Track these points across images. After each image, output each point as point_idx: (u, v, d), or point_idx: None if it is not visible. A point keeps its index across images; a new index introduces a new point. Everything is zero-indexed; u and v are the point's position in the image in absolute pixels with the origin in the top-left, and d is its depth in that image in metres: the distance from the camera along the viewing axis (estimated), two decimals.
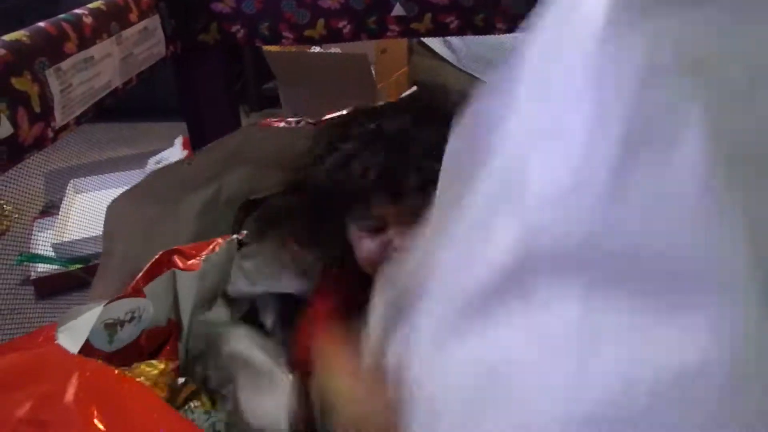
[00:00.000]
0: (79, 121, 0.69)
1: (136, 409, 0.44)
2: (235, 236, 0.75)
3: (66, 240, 1.54)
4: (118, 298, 0.65)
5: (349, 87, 1.98)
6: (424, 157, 0.64)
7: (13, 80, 0.57)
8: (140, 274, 0.67)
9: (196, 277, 0.69)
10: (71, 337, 0.56)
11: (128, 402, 0.44)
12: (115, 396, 0.44)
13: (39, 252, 1.52)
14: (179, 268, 0.69)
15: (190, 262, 0.69)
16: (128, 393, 0.45)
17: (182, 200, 0.81)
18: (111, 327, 0.64)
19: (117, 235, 0.73)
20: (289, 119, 0.88)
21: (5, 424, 0.41)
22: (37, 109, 0.61)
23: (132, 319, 0.67)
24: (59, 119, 0.65)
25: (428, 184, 0.55)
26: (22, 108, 0.58)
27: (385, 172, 0.66)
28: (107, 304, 0.62)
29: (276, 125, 0.88)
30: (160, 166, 1.98)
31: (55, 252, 1.50)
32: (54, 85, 0.63)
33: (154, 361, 0.62)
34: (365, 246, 0.69)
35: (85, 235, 1.53)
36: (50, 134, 0.64)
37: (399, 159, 0.66)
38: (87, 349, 0.58)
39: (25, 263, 1.50)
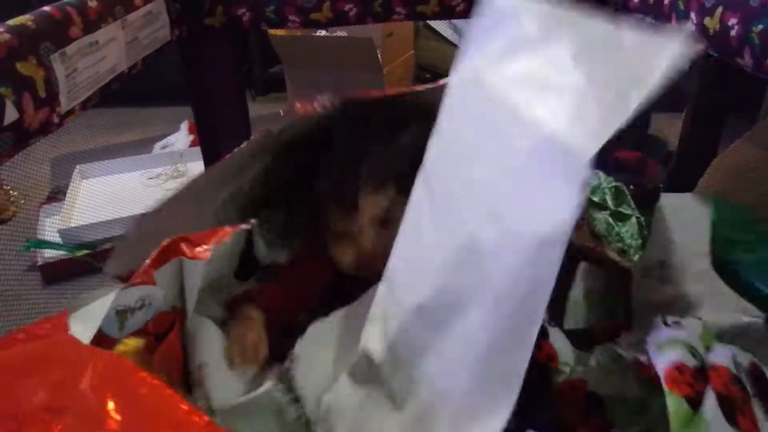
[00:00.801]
0: (84, 106, 0.69)
1: (150, 401, 0.44)
2: (243, 226, 0.74)
3: (73, 226, 1.54)
4: (130, 285, 0.65)
5: (355, 71, 1.97)
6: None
7: (18, 65, 0.57)
8: (148, 261, 0.67)
9: (203, 265, 0.69)
10: (84, 323, 0.57)
11: (142, 393, 0.44)
12: (130, 387, 0.44)
13: (46, 238, 1.52)
14: (187, 256, 0.68)
15: (197, 249, 0.69)
16: (142, 385, 0.45)
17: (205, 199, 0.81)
18: (122, 314, 0.64)
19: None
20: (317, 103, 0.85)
21: (21, 410, 0.41)
22: (43, 94, 0.60)
23: (142, 306, 0.67)
24: (64, 104, 0.64)
25: None
26: (27, 93, 0.58)
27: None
28: (119, 291, 0.62)
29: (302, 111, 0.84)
30: (166, 151, 1.97)
31: (61, 238, 1.50)
32: (59, 70, 0.62)
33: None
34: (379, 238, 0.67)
35: (91, 221, 1.53)
36: (55, 119, 0.64)
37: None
38: (96, 334, 0.58)
39: (32, 249, 1.50)
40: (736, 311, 0.57)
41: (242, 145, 0.75)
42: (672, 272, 0.63)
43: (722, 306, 0.58)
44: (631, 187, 1.12)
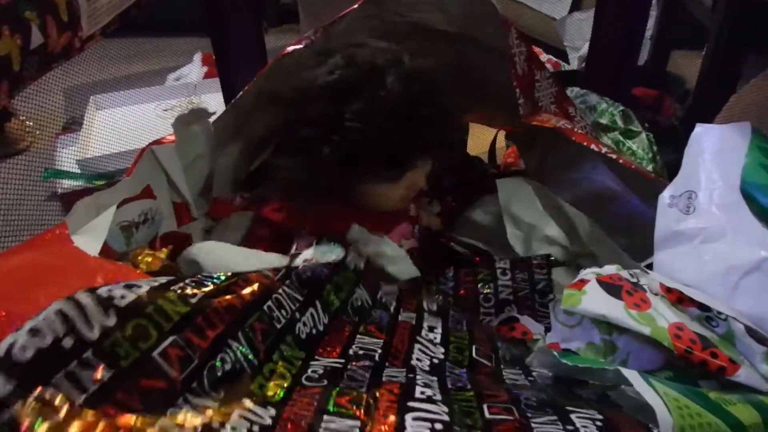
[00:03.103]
0: (104, 31, 0.69)
1: None
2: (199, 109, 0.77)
3: (89, 156, 1.55)
4: (129, 200, 0.67)
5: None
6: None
7: None
8: (128, 169, 0.70)
9: (174, 148, 0.74)
10: (90, 238, 0.59)
11: None
12: None
13: (63, 168, 1.53)
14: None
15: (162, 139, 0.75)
16: None
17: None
18: (127, 229, 0.67)
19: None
20: (307, 34, 0.85)
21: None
22: (65, 18, 0.61)
23: (146, 220, 0.70)
24: (86, 29, 0.65)
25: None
26: (50, 17, 0.58)
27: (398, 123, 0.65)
28: (119, 206, 0.64)
29: (295, 48, 0.84)
30: (180, 82, 1.97)
31: (79, 168, 1.52)
32: None
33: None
34: (391, 195, 0.71)
35: (108, 152, 1.54)
36: (77, 44, 0.65)
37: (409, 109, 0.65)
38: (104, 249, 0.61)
39: (50, 179, 1.52)
40: (756, 245, 0.57)
41: (241, 93, 0.75)
42: (699, 203, 0.63)
43: (744, 239, 0.58)
44: (647, 124, 1.13)
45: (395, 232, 0.79)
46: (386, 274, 0.69)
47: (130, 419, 0.36)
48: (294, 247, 0.62)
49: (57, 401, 0.35)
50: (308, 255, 0.60)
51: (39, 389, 0.35)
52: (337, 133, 0.63)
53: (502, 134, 1.16)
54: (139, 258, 0.64)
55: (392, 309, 0.60)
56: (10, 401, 0.34)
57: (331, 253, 0.59)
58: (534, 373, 0.53)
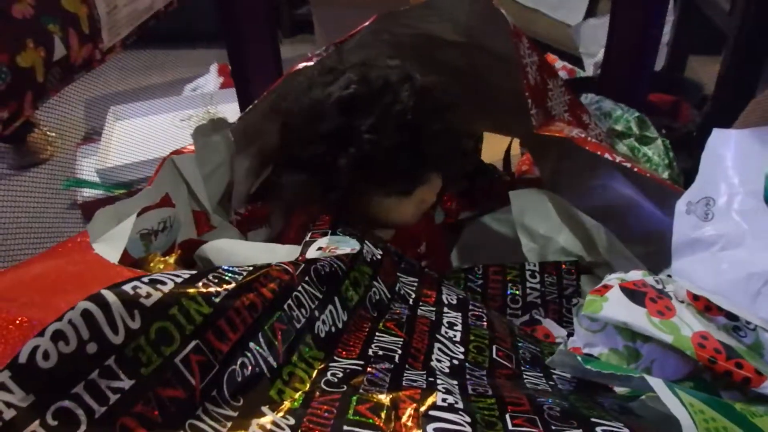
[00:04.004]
0: (124, 43, 0.70)
1: None
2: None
3: (109, 166, 1.58)
4: (149, 208, 0.68)
5: (385, 10, 1.93)
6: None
7: (63, 1, 0.58)
8: (150, 179, 0.72)
9: (194, 157, 0.76)
10: (110, 245, 0.60)
11: None
12: None
13: (83, 177, 1.56)
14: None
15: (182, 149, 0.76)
16: None
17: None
18: (146, 237, 0.68)
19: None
20: (319, 51, 0.85)
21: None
22: (86, 31, 0.62)
23: (164, 228, 0.71)
24: (106, 40, 0.66)
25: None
26: (72, 29, 0.59)
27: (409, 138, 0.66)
28: (139, 214, 0.65)
29: (306, 65, 0.82)
30: (196, 93, 1.99)
31: (99, 177, 1.54)
32: (101, 7, 0.64)
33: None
34: (403, 209, 0.72)
35: (127, 161, 1.56)
36: (98, 56, 0.66)
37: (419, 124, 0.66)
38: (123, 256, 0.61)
39: (71, 188, 1.54)
40: None
41: (254, 103, 0.76)
42: (717, 209, 0.62)
43: (765, 246, 0.57)
44: (663, 130, 1.12)
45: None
46: None
47: None
48: (308, 235, 0.62)
49: (76, 417, 0.34)
50: (323, 243, 0.60)
51: (58, 403, 0.34)
52: (352, 146, 0.64)
53: (516, 142, 1.16)
54: (151, 264, 0.65)
55: (411, 301, 0.60)
56: (27, 420, 0.33)
57: (347, 245, 0.59)
58: (555, 376, 0.53)
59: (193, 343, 0.40)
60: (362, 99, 0.65)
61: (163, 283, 0.41)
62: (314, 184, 0.68)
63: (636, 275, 0.60)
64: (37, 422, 0.33)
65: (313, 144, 0.66)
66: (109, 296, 0.38)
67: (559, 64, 1.77)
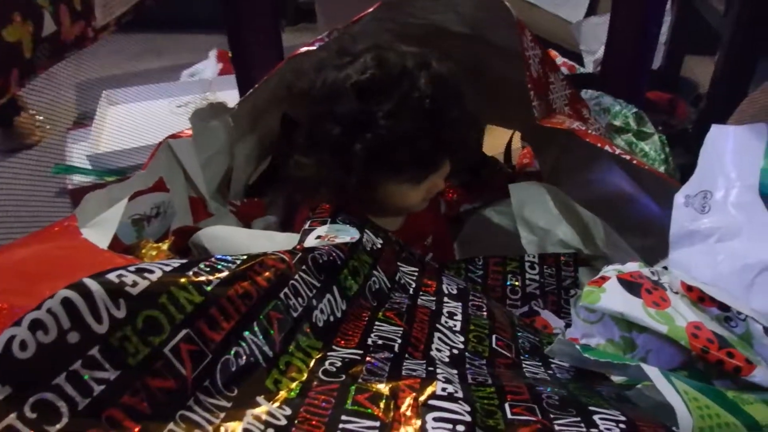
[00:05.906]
0: (119, 21, 0.69)
1: None
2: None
3: (101, 152, 1.55)
4: (141, 193, 0.66)
5: None
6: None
7: None
8: (144, 164, 0.70)
9: (191, 142, 0.74)
10: (99, 231, 0.58)
11: None
12: None
13: (73, 163, 1.53)
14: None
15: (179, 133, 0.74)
16: None
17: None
18: (138, 222, 0.66)
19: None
20: (321, 36, 0.84)
21: None
22: (79, 8, 0.61)
23: (158, 214, 0.69)
24: (99, 18, 0.65)
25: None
26: (63, 5, 0.58)
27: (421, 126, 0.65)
28: (131, 199, 0.64)
29: (309, 49, 0.81)
30: (194, 79, 1.96)
31: (91, 163, 1.52)
32: None
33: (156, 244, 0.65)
34: (414, 195, 0.71)
35: (120, 148, 1.54)
36: (90, 33, 0.64)
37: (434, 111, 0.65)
38: (113, 242, 0.60)
39: (61, 174, 1.51)
40: None
41: (256, 87, 0.75)
42: (715, 202, 0.62)
43: (760, 238, 0.58)
44: (660, 127, 1.12)
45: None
46: None
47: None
48: (308, 223, 0.61)
49: (57, 409, 0.33)
50: (322, 232, 0.59)
51: (37, 395, 0.33)
52: (369, 131, 0.63)
53: (518, 135, 1.16)
54: (143, 251, 0.63)
55: (411, 291, 0.59)
56: (2, 413, 0.32)
57: (347, 234, 0.58)
58: (553, 366, 0.53)
59: (183, 332, 0.39)
60: (380, 84, 0.64)
61: (151, 271, 0.39)
62: (329, 167, 0.66)
63: (633, 267, 0.61)
64: (13, 415, 0.32)
65: (328, 126, 0.65)
66: (92, 285, 0.36)
67: (559, 60, 1.77)
